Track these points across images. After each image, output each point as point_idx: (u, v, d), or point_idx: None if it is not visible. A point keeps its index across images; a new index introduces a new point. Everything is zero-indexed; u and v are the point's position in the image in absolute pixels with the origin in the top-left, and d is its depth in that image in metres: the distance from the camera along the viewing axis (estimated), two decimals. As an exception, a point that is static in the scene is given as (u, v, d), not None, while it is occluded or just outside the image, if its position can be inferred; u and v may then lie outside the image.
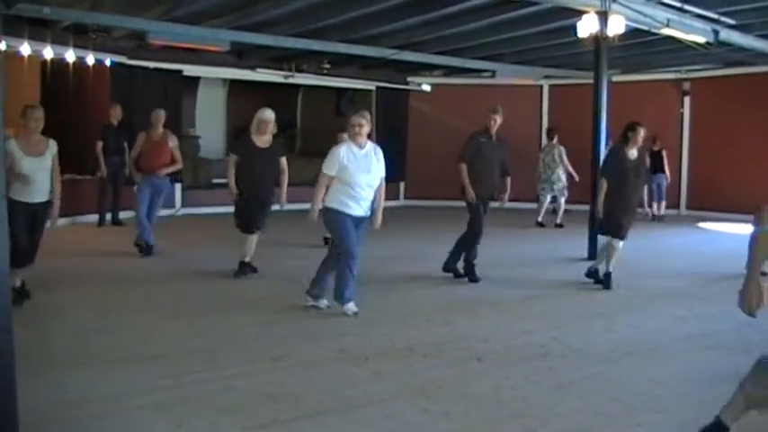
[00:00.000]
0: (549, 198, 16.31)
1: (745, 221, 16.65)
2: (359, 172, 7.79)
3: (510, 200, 10.40)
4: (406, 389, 5.69)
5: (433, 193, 20.25)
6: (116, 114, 14.69)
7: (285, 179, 10.03)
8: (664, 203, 17.73)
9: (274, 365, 6.21)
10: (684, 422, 5.09)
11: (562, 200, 16.26)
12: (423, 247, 12.68)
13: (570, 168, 16.00)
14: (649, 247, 13.57)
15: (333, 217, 7.87)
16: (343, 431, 4.89)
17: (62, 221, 13.81)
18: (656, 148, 17.26)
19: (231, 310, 8.18)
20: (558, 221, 16.19)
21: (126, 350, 6.56)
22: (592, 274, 9.94)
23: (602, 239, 10.29)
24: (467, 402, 5.40)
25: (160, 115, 11.46)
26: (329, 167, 7.84)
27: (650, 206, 16.73)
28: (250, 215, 9.77)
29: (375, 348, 6.76)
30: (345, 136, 8.27)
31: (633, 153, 9.53)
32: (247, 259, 9.93)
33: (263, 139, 9.69)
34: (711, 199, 18.32)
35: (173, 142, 11.48)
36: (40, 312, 7.79)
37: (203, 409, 5.17)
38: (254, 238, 9.88)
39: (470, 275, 9.99)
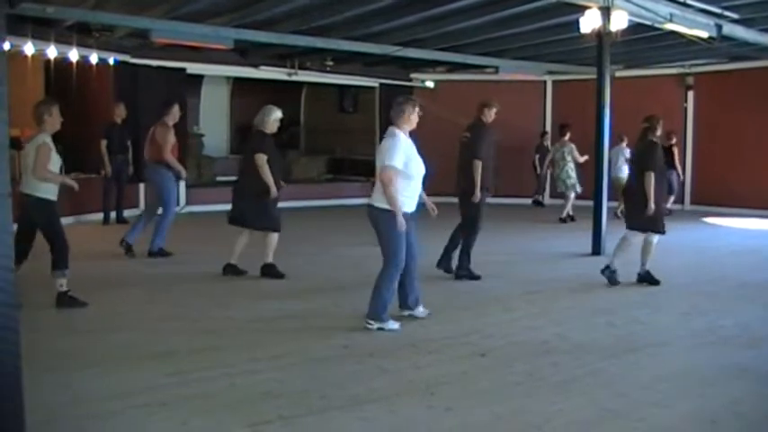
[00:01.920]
0: (573, 195, 16.26)
1: (750, 216, 16.69)
2: (419, 162, 7.28)
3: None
4: (410, 385, 5.71)
5: (438, 189, 20.22)
6: (120, 113, 14.72)
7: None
8: (672, 198, 17.73)
9: (278, 362, 6.23)
10: (688, 417, 5.12)
11: (572, 195, 16.23)
12: (427, 243, 12.68)
13: (580, 159, 15.98)
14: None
15: (395, 222, 7.08)
16: (348, 427, 4.91)
17: (67, 220, 13.89)
18: (666, 144, 17.27)
19: (235, 307, 8.22)
20: (563, 216, 16.20)
21: (131, 349, 6.59)
22: (606, 271, 9.76)
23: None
24: (470, 398, 5.42)
25: (174, 109, 11.30)
26: (397, 160, 7.08)
27: (669, 201, 16.95)
28: (276, 212, 9.76)
29: (379, 344, 6.78)
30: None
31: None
32: (270, 260, 9.86)
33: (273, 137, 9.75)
34: (716, 194, 18.33)
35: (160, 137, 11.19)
36: (46, 312, 7.81)
37: (208, 407, 5.19)
38: (275, 236, 9.82)
39: (470, 274, 9.91)
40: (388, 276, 7.24)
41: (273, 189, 9.51)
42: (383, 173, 7.05)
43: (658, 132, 9.57)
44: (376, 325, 7.19)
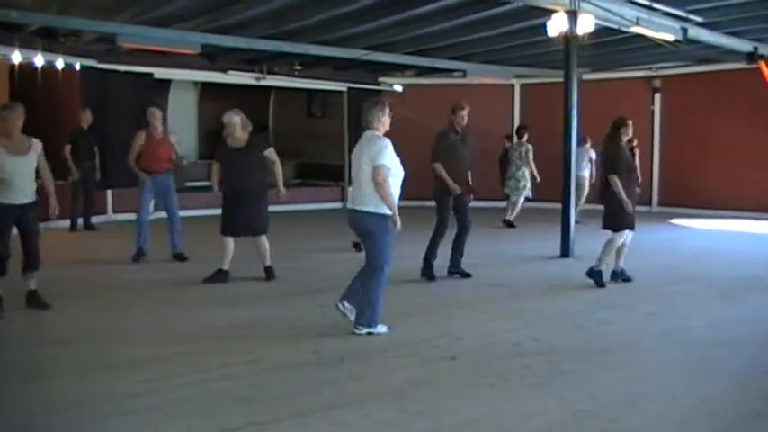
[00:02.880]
0: (522, 199, 16.24)
1: (717, 217, 16.82)
2: (399, 165, 7.21)
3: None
4: (381, 389, 5.70)
5: (407, 193, 20.25)
6: (86, 119, 14.60)
7: (278, 170, 9.99)
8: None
9: (250, 368, 6.20)
10: (658, 417, 5.15)
11: (521, 199, 16.22)
12: (397, 246, 12.68)
13: (534, 168, 15.98)
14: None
15: (387, 226, 7.13)
16: (320, 432, 4.89)
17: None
18: (628, 146, 17.37)
19: (208, 314, 8.16)
20: (510, 218, 16.23)
21: (103, 357, 6.52)
22: (617, 275, 9.87)
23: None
24: (442, 401, 5.42)
25: (158, 113, 11.33)
26: (389, 160, 7.05)
27: None
28: (236, 218, 9.64)
29: (351, 349, 6.76)
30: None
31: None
32: (226, 267, 9.79)
33: (237, 141, 9.63)
34: (683, 195, 18.49)
35: (174, 139, 11.48)
36: (16, 321, 7.72)
37: (179, 413, 5.15)
38: (230, 244, 9.75)
39: (429, 273, 10.05)
40: (378, 283, 7.14)
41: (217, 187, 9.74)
42: (378, 172, 6.92)
43: (627, 134, 9.62)
44: (365, 330, 7.12)
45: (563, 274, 10.26)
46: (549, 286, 9.77)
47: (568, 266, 10.92)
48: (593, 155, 16.30)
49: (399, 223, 7.08)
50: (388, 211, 7.02)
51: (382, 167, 6.93)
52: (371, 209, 7.04)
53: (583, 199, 16.38)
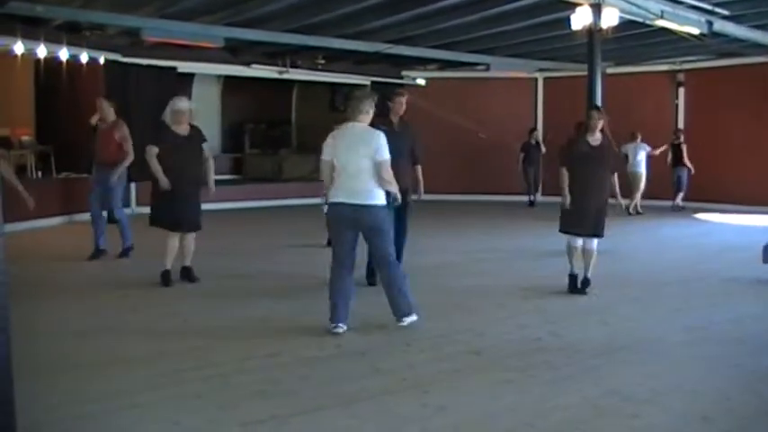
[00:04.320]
0: None
1: (741, 212, 16.70)
2: None
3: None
4: (403, 383, 5.70)
5: (429, 186, 20.26)
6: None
7: (211, 168, 9.51)
8: (681, 194, 18.01)
9: (271, 361, 6.21)
10: (680, 413, 5.12)
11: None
12: (417, 241, 12.67)
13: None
14: (645, 239, 13.63)
15: (389, 216, 7.44)
16: (341, 426, 4.89)
17: (58, 220, 13.85)
18: (675, 142, 17.58)
19: (227, 307, 8.19)
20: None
21: (122, 350, 6.55)
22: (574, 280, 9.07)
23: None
24: (463, 396, 5.41)
25: (103, 103, 11.05)
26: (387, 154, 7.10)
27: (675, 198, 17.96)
28: (174, 211, 9.03)
29: (372, 343, 6.77)
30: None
31: (595, 140, 8.71)
32: (169, 266, 9.19)
33: (181, 128, 9.20)
34: (707, 190, 18.36)
35: (119, 133, 10.87)
36: (34, 314, 7.77)
37: (200, 407, 5.17)
38: (176, 242, 9.23)
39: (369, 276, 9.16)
40: (401, 270, 7.30)
41: (164, 182, 8.93)
42: (384, 167, 6.95)
43: (591, 128, 8.72)
44: (408, 320, 7.16)
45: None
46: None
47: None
48: (648, 148, 16.70)
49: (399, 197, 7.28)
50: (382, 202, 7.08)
51: (387, 164, 6.97)
52: (378, 202, 7.04)
53: (639, 193, 17.12)
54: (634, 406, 5.21)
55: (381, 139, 7.00)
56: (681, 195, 18.05)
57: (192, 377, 5.79)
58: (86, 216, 14.00)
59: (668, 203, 18.08)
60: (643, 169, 16.99)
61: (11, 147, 14.31)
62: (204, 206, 9.37)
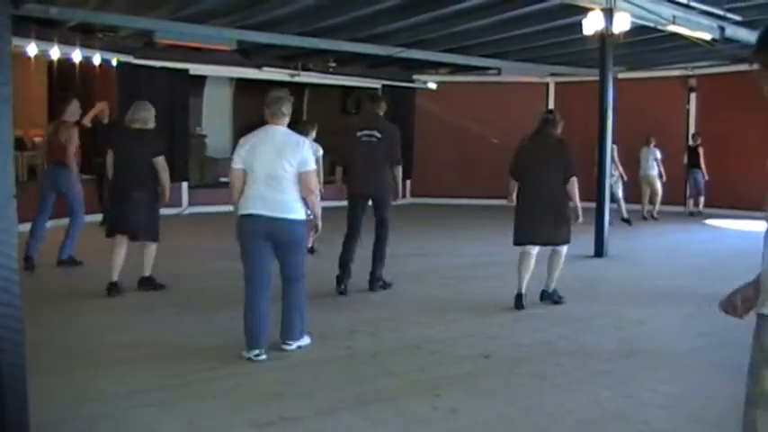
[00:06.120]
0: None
1: (752, 218, 16.67)
2: None
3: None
4: (414, 385, 5.71)
5: (439, 190, 20.30)
6: (104, 114, 14.54)
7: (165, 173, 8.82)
8: (702, 199, 18.03)
9: (282, 363, 6.23)
10: (692, 419, 5.11)
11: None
12: (430, 244, 12.69)
13: (620, 168, 15.84)
14: (656, 245, 13.61)
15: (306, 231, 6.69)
16: (352, 428, 4.90)
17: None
18: (692, 144, 17.59)
19: (236, 308, 8.19)
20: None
21: (136, 349, 6.57)
22: (544, 295, 8.73)
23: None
24: (475, 399, 5.42)
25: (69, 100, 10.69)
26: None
27: (694, 202, 18.13)
28: (132, 215, 8.64)
29: (383, 345, 6.78)
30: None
31: (545, 144, 8.67)
32: (115, 279, 8.69)
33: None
34: (718, 195, 18.30)
35: (63, 137, 10.16)
36: (49, 313, 7.81)
37: (213, 407, 5.19)
38: (122, 251, 8.73)
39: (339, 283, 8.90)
40: (304, 291, 6.57)
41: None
42: (311, 178, 6.34)
43: (555, 132, 8.86)
44: (296, 344, 6.51)
45: (596, 275, 10.19)
46: (583, 286, 9.67)
47: (601, 266, 10.84)
48: (659, 154, 16.67)
49: (321, 226, 6.60)
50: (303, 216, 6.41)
51: (314, 174, 6.40)
52: (298, 216, 6.32)
53: (658, 197, 17.19)
54: (646, 411, 5.21)
55: (307, 148, 6.45)
56: (702, 200, 18.02)
57: (204, 377, 5.82)
58: (98, 218, 14.14)
59: (682, 209, 18.08)
60: (656, 172, 16.95)
61: (24, 148, 14.38)
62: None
